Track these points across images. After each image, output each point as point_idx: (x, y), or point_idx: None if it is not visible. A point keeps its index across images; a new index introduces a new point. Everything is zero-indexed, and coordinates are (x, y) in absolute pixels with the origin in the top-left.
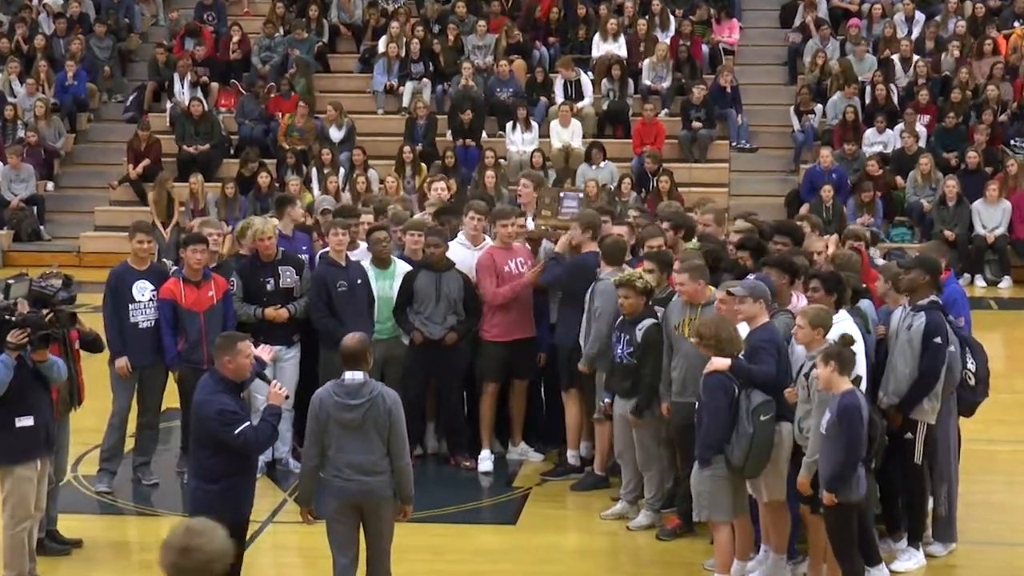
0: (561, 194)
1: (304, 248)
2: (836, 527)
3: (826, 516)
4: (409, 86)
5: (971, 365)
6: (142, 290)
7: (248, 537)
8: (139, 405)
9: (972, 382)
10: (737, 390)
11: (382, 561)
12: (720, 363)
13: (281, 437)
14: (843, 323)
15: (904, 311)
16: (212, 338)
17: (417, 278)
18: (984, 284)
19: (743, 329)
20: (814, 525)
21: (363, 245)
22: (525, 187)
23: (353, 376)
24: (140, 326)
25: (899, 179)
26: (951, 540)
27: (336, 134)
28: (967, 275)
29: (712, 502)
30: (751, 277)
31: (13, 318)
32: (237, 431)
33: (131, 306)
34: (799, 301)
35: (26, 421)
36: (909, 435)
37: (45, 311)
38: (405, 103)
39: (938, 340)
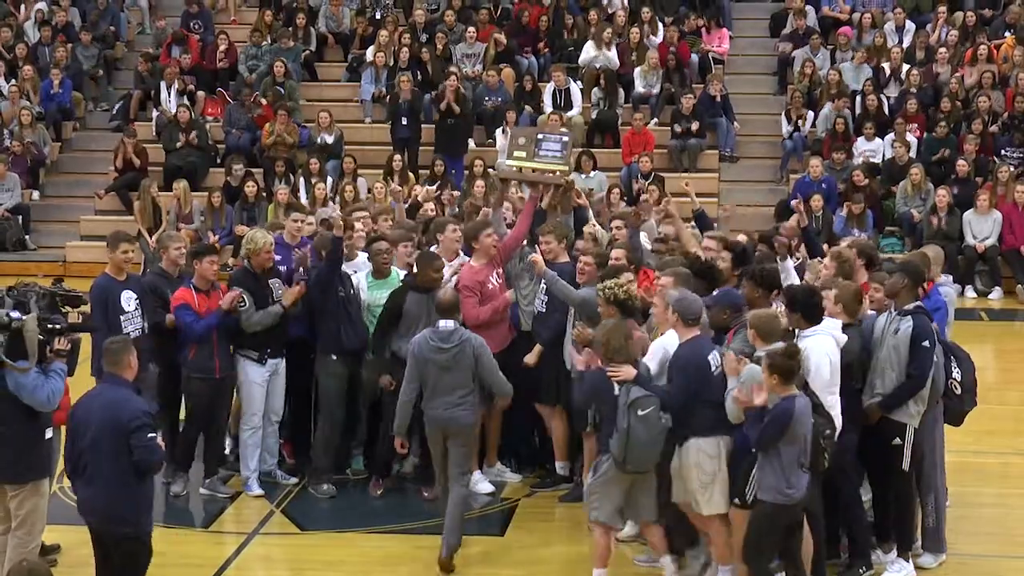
0: (539, 135)
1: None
2: (754, 525)
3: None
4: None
5: (956, 374)
6: (128, 300)
7: (238, 548)
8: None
9: (958, 391)
10: (617, 387)
11: (458, 479)
12: (626, 373)
13: (269, 449)
14: (810, 338)
15: (889, 316)
16: (224, 347)
17: (407, 299)
18: (974, 295)
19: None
20: (737, 524)
21: (362, 255)
22: (548, 243)
23: (446, 324)
24: (131, 336)
25: (892, 188)
26: (940, 551)
27: (328, 139)
28: (957, 285)
29: (599, 503)
30: (716, 292)
31: (59, 327)
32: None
33: (122, 317)
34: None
35: (50, 433)
36: (897, 440)
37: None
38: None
39: (926, 344)
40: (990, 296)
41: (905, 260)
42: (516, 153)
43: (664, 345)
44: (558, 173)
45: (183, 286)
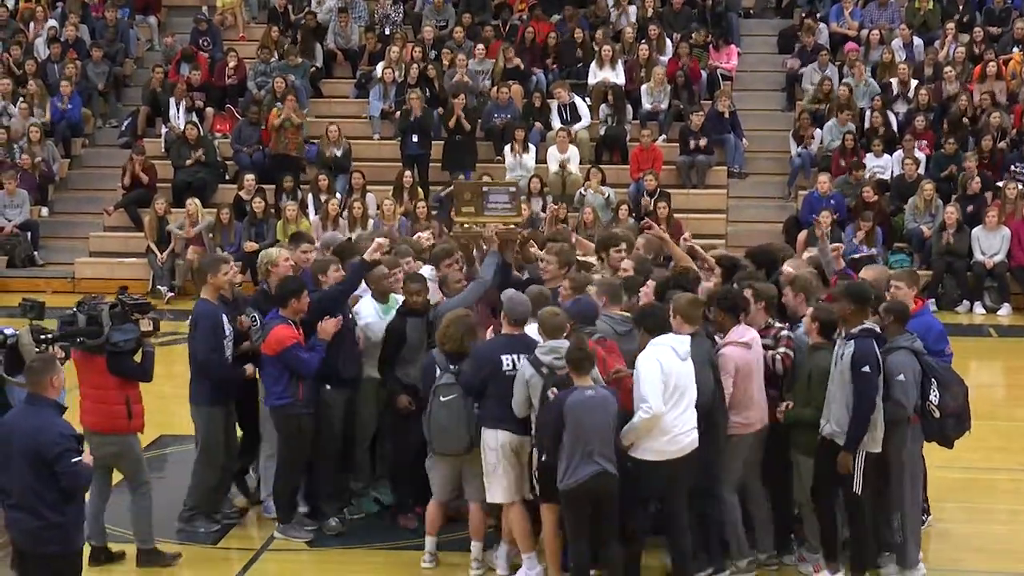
0: (485, 189)
1: None
2: (564, 513)
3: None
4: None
5: (933, 398)
6: (226, 323)
7: (245, 565)
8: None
9: (936, 415)
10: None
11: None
12: None
13: (265, 477)
14: (655, 347)
15: (840, 341)
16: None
17: (406, 325)
18: (983, 311)
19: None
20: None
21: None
22: (549, 264)
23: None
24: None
25: (901, 204)
26: (911, 566)
27: (336, 152)
28: (966, 302)
29: (432, 479)
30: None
31: (50, 336)
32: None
33: (225, 341)
34: (746, 333)
35: None
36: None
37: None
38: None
39: (866, 369)
40: (999, 312)
41: (849, 284)
42: (464, 209)
43: None
44: (512, 225)
45: (280, 323)
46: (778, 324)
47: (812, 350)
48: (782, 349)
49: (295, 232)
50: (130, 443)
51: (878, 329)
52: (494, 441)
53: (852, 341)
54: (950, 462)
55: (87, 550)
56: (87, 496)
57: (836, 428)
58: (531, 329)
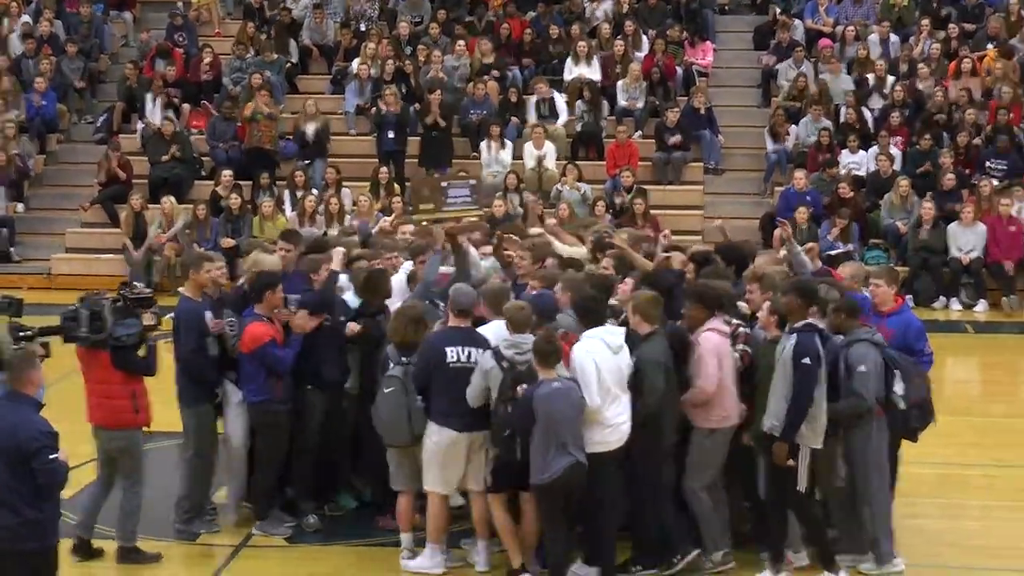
0: (444, 184)
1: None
2: (538, 510)
3: None
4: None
5: (898, 388)
6: (210, 321)
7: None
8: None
9: (901, 406)
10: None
11: None
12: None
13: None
14: (587, 340)
15: (784, 335)
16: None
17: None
18: (959, 307)
19: None
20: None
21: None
22: (522, 259)
23: None
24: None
25: (877, 200)
26: (884, 561)
27: (310, 130)
28: (943, 298)
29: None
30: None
31: (29, 333)
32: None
33: (207, 340)
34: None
35: None
36: (791, 462)
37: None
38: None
39: (806, 361)
40: (975, 309)
41: (797, 280)
42: (422, 206)
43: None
44: (473, 218)
45: (256, 320)
46: (735, 321)
47: (770, 344)
48: (740, 346)
49: (287, 229)
50: (136, 438)
51: (820, 325)
52: (438, 435)
53: (794, 335)
54: (924, 458)
55: (71, 542)
56: (89, 488)
57: (775, 422)
58: (497, 325)
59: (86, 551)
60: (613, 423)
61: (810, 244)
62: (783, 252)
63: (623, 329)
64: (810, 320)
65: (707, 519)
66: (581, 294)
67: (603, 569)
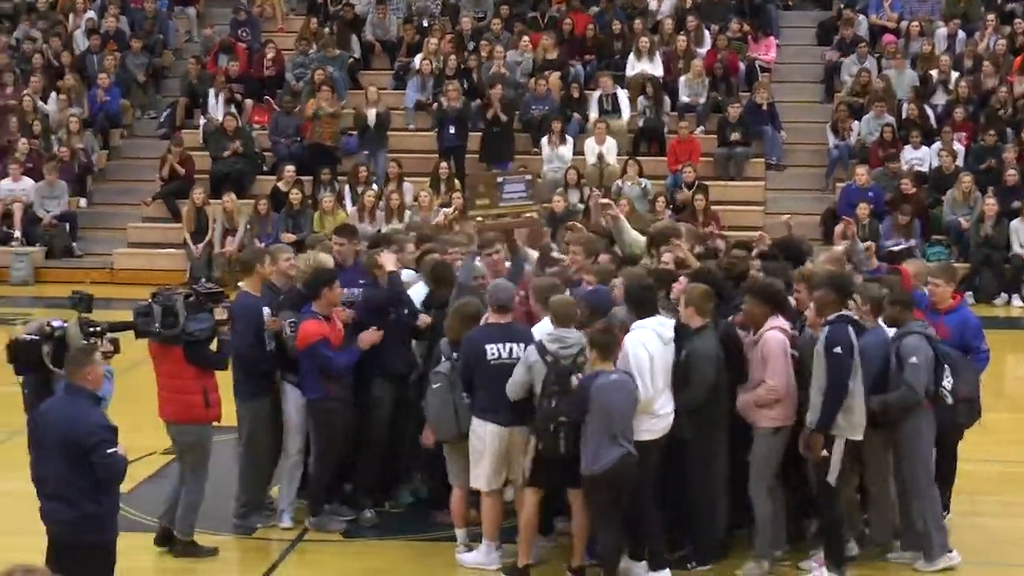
0: (500, 179)
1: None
2: (588, 498)
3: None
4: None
5: (947, 383)
6: (267, 316)
7: (282, 554)
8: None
9: (948, 400)
10: None
11: None
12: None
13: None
14: (639, 331)
15: (820, 330)
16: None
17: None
18: (1021, 304)
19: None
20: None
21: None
22: (575, 254)
23: None
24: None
25: (939, 196)
26: (936, 557)
27: (371, 114)
28: (1004, 295)
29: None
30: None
31: (99, 329)
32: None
33: (265, 334)
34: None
35: None
36: (825, 453)
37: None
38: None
39: (838, 350)
40: None
41: (832, 274)
42: (479, 202)
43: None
44: (529, 214)
45: (312, 317)
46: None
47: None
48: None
49: (342, 224)
50: (206, 433)
51: (856, 316)
52: (481, 430)
53: (827, 327)
54: (985, 455)
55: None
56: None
57: (814, 416)
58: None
59: (166, 540)
60: (660, 413)
61: (868, 243)
62: (842, 247)
63: (673, 321)
64: (844, 312)
65: (766, 522)
66: (634, 283)
67: (650, 558)
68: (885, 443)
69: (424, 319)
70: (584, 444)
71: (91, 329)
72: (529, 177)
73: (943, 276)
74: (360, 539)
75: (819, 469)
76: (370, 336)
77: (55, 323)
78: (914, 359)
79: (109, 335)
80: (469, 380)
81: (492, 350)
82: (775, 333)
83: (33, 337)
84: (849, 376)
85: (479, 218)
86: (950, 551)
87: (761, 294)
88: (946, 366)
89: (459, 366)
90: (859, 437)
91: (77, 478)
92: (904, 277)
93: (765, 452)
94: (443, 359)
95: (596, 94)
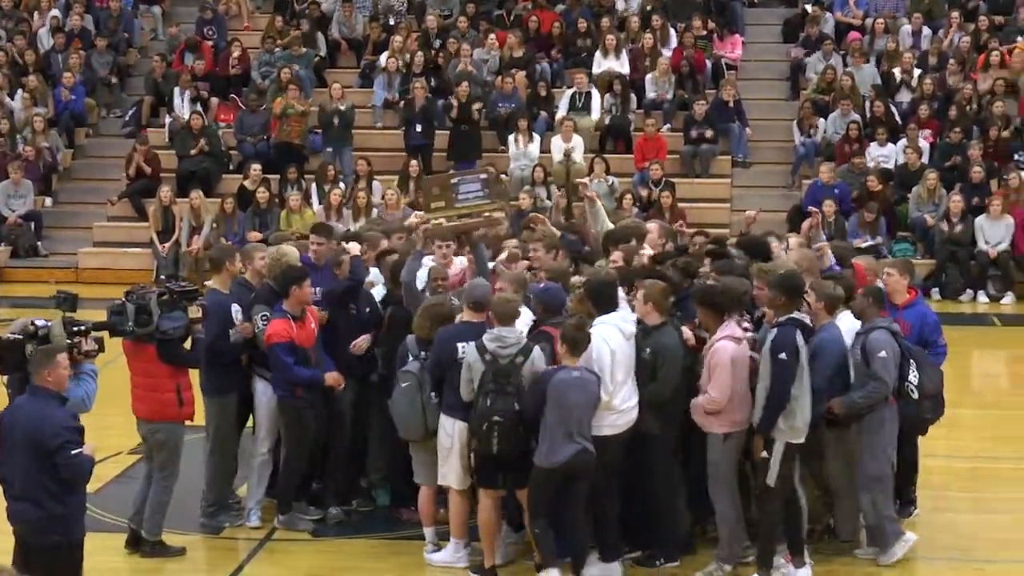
0: (454, 180)
1: None
2: (531, 487)
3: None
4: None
5: (913, 378)
6: (236, 313)
7: (249, 554)
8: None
9: (915, 395)
10: None
11: None
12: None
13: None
14: (601, 326)
15: (768, 330)
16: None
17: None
18: (987, 300)
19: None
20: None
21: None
22: (536, 251)
23: None
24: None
25: (905, 193)
26: (892, 545)
27: (341, 107)
28: (970, 291)
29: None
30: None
31: (83, 328)
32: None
33: (231, 332)
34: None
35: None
36: (765, 454)
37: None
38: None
39: (783, 356)
40: (1002, 301)
41: (784, 275)
42: (434, 205)
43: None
44: (489, 213)
45: (280, 316)
46: (745, 325)
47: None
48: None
49: (319, 223)
50: (179, 432)
51: (807, 320)
52: (451, 427)
53: (775, 329)
54: (954, 451)
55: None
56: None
57: (757, 416)
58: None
59: (135, 543)
60: (622, 408)
61: (819, 245)
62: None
63: (635, 315)
64: (793, 315)
65: (726, 525)
66: (595, 279)
67: (602, 550)
68: (847, 439)
69: (360, 344)
70: (541, 438)
71: (75, 328)
72: (485, 176)
73: (899, 268)
74: (328, 538)
75: (759, 470)
76: (364, 342)
77: (39, 322)
78: (883, 353)
79: (94, 334)
80: (439, 378)
81: (462, 349)
82: (724, 344)
83: (17, 336)
84: (792, 383)
85: (439, 220)
86: (903, 534)
87: (702, 300)
88: (912, 361)
89: (429, 364)
90: (799, 440)
91: (43, 478)
92: (857, 273)
93: (717, 457)
94: (411, 358)
95: (568, 91)
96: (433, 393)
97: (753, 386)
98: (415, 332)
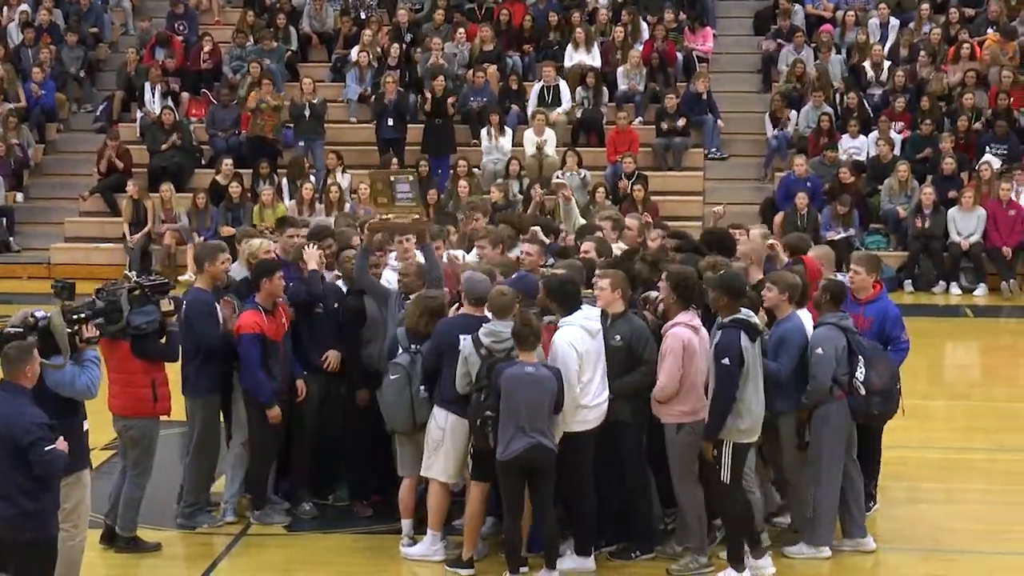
0: (392, 179)
1: None
2: (500, 484)
3: None
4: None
5: (859, 374)
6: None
7: (226, 548)
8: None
9: (861, 391)
10: None
11: None
12: None
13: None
14: (567, 329)
15: (714, 330)
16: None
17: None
18: (959, 292)
19: None
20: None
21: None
22: (482, 248)
23: None
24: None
25: (877, 186)
26: (821, 543)
27: (306, 105)
28: (942, 283)
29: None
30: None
31: (83, 315)
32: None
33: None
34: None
35: (87, 425)
36: (715, 452)
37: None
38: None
39: (726, 361)
40: (975, 293)
41: (724, 275)
42: (379, 200)
43: None
44: (415, 216)
45: (250, 308)
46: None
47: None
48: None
49: (282, 216)
50: (154, 427)
51: (753, 320)
52: (443, 420)
53: (720, 332)
54: (926, 443)
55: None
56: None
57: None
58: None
59: (110, 539)
60: (592, 404)
61: (771, 242)
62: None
63: (598, 311)
64: (739, 316)
65: (692, 516)
66: (557, 278)
67: (577, 543)
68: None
69: (333, 361)
70: (499, 430)
71: (75, 316)
72: (412, 178)
73: (865, 265)
74: (303, 533)
75: (712, 470)
76: (335, 357)
77: (38, 313)
78: (819, 350)
79: (93, 322)
80: (434, 370)
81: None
82: (677, 330)
83: (18, 329)
84: (735, 388)
85: (387, 216)
86: (864, 536)
87: (675, 286)
88: (860, 357)
89: (425, 354)
90: (750, 440)
91: (16, 475)
92: (809, 266)
93: (671, 449)
94: (400, 350)
95: (537, 85)
96: (423, 387)
97: (706, 384)
98: (407, 322)
